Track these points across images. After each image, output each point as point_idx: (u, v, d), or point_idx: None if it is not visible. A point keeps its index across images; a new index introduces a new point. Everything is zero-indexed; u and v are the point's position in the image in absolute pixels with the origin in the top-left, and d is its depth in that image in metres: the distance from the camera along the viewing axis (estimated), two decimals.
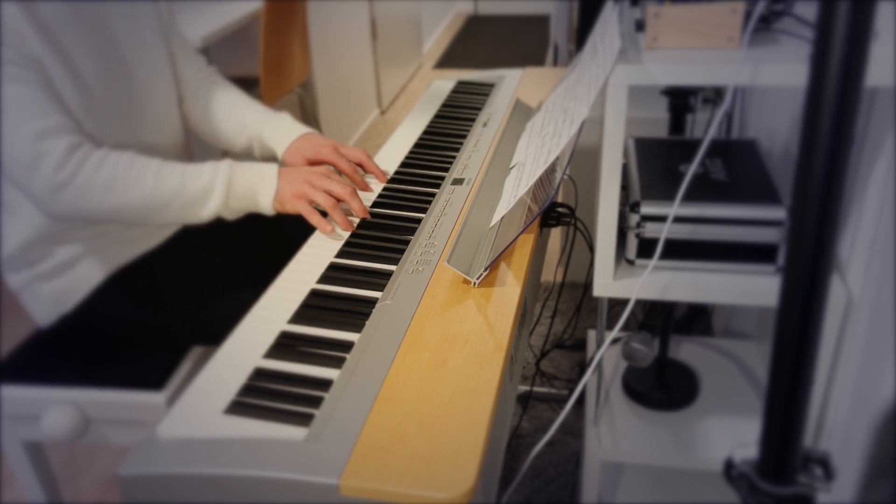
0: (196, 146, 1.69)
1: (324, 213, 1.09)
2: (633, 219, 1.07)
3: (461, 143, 1.38)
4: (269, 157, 1.28)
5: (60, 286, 1.18)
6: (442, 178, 1.24)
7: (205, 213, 1.09)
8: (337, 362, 0.82)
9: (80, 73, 1.09)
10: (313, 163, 1.23)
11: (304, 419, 0.74)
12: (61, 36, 1.07)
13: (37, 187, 1.01)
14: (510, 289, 0.93)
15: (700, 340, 1.51)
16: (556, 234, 2.57)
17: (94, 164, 1.03)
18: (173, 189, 1.07)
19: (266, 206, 1.10)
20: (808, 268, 0.60)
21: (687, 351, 1.48)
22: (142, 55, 1.20)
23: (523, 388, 1.92)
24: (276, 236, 1.40)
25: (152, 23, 1.24)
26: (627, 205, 1.09)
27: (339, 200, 1.10)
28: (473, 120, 1.49)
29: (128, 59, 1.17)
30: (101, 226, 1.18)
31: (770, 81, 0.90)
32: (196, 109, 1.36)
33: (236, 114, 1.33)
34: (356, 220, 1.10)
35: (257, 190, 1.09)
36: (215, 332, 1.07)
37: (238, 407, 0.76)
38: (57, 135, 1.01)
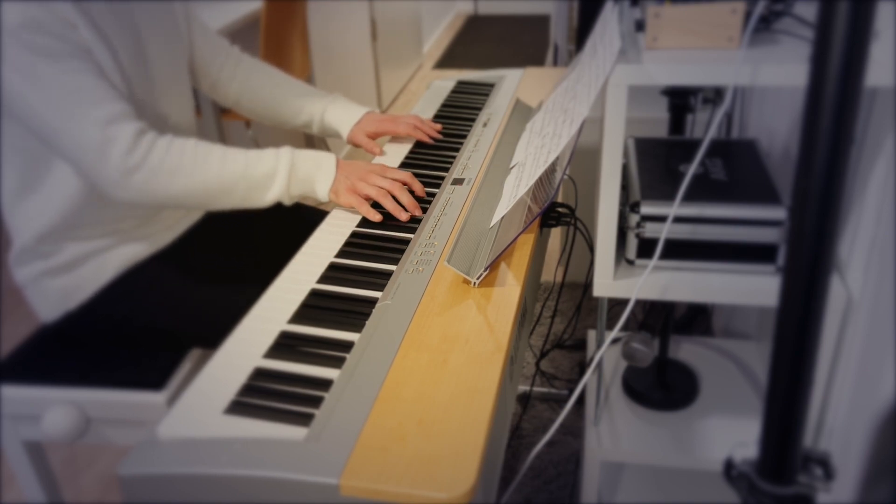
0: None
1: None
2: (633, 219, 1.07)
3: (461, 143, 1.38)
4: (330, 135, 1.44)
5: (68, 283, 1.18)
6: (442, 178, 1.24)
7: (268, 197, 1.12)
8: (337, 362, 0.82)
9: (123, 66, 1.11)
10: (374, 136, 1.40)
11: (304, 419, 0.74)
12: (106, 30, 1.09)
13: (107, 173, 1.03)
14: (510, 289, 0.93)
15: (700, 340, 1.51)
16: (556, 234, 2.57)
17: (162, 148, 1.05)
18: (238, 174, 1.09)
19: (323, 194, 1.14)
20: (808, 268, 0.60)
21: (687, 351, 1.48)
22: (163, 55, 1.21)
23: (523, 388, 1.92)
24: (277, 238, 1.40)
25: (174, 25, 1.25)
26: (627, 205, 1.09)
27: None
28: (473, 120, 1.49)
29: (151, 57, 1.19)
30: (114, 223, 1.18)
31: (770, 81, 0.90)
32: (232, 90, 1.40)
33: (289, 96, 1.41)
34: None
35: (317, 178, 1.13)
36: (216, 333, 1.07)
37: (238, 407, 0.76)
38: (123, 120, 1.03)
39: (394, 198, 1.14)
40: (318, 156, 1.15)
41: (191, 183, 1.07)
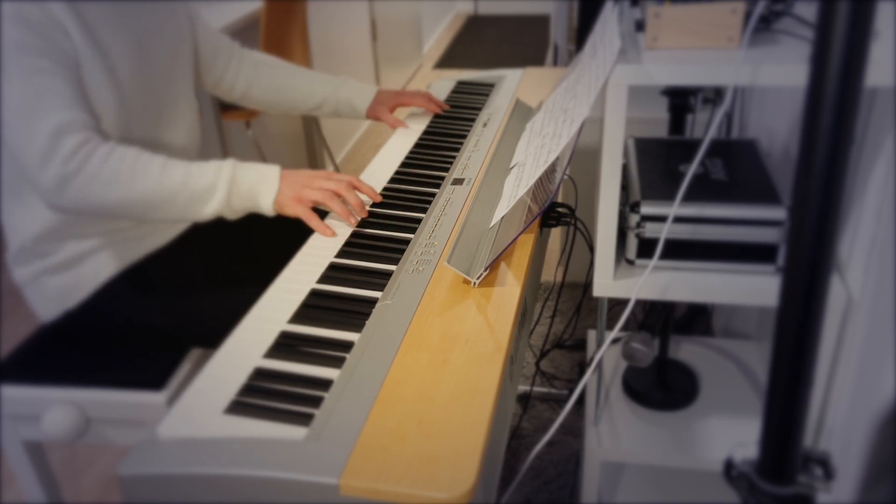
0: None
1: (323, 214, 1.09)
2: (633, 219, 1.07)
3: (461, 143, 1.38)
4: (345, 114, 1.50)
5: (67, 281, 1.18)
6: (442, 178, 1.24)
7: (207, 210, 1.09)
8: (337, 362, 0.82)
9: (115, 71, 1.11)
10: (393, 109, 1.48)
11: (305, 419, 0.74)
12: (101, 34, 1.09)
13: (45, 179, 1.02)
14: (510, 289, 0.93)
15: (700, 340, 1.51)
16: (556, 234, 2.57)
17: (100, 157, 1.03)
18: (177, 185, 1.06)
19: (266, 207, 1.10)
20: (808, 268, 0.60)
21: (687, 351, 1.48)
22: (167, 56, 1.22)
23: (523, 388, 1.92)
24: (277, 237, 1.40)
25: (178, 25, 1.25)
26: (627, 205, 1.09)
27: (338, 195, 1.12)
28: (473, 120, 1.49)
29: (155, 58, 1.19)
30: (114, 222, 1.19)
31: (770, 81, 0.90)
32: (238, 85, 1.43)
33: (298, 81, 1.46)
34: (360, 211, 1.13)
35: (259, 191, 1.10)
36: (216, 333, 1.07)
37: (238, 407, 0.76)
38: (73, 131, 1.02)
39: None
40: (261, 168, 1.11)
41: (127, 193, 1.05)
